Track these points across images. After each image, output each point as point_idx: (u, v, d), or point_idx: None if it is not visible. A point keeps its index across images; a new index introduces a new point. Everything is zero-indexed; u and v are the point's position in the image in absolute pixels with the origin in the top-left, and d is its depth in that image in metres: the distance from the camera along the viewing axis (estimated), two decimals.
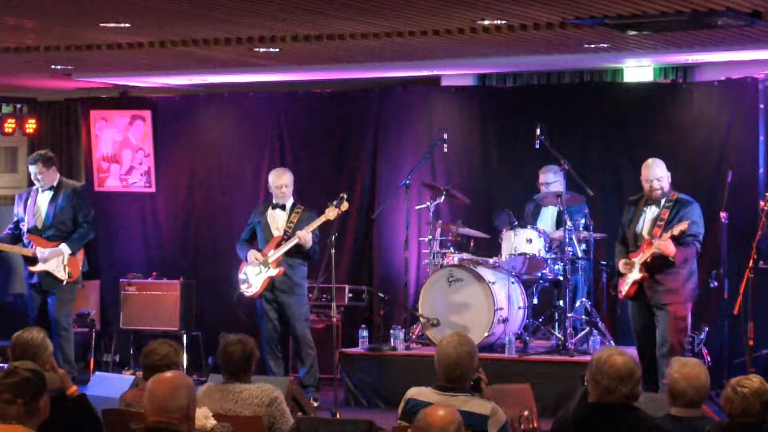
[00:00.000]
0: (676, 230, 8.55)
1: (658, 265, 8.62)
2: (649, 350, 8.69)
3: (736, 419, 4.75)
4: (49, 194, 9.91)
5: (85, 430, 5.47)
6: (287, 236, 9.61)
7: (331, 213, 9.45)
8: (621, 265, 8.82)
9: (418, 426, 4.32)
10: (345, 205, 9.51)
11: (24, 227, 9.95)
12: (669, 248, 8.53)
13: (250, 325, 10.16)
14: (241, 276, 9.79)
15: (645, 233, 8.78)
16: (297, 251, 9.59)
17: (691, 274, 8.73)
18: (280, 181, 9.76)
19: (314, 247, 9.60)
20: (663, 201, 8.77)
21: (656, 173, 8.78)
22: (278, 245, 9.62)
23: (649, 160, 8.89)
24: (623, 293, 8.84)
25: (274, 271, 9.60)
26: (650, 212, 8.82)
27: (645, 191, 8.82)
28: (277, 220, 9.74)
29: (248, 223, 9.95)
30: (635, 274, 8.70)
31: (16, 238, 10.01)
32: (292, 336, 9.86)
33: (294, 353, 10.05)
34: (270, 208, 9.82)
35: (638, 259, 8.69)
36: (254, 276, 9.67)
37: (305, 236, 9.48)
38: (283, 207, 9.76)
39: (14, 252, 10.13)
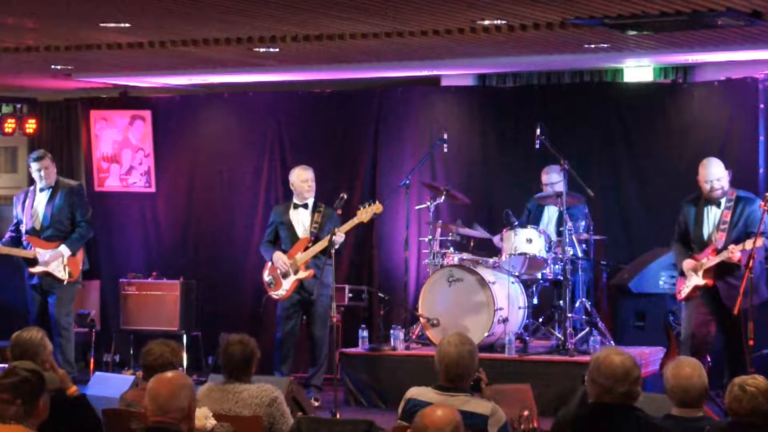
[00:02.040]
0: (749, 245, 8.32)
1: (725, 269, 8.52)
2: (705, 348, 8.55)
3: (743, 418, 4.74)
4: (46, 194, 9.90)
5: (85, 430, 5.47)
6: (314, 237, 9.57)
7: (364, 215, 9.40)
8: (686, 266, 8.61)
9: (417, 426, 4.32)
10: (379, 207, 9.45)
11: (23, 229, 9.94)
12: (735, 258, 8.41)
13: (255, 326, 10.11)
14: (267, 278, 9.74)
15: (711, 237, 8.63)
16: (323, 251, 9.51)
17: (760, 274, 8.65)
18: (306, 174, 9.71)
19: (342, 243, 9.60)
20: (723, 201, 8.60)
21: (715, 173, 8.57)
22: (306, 247, 9.58)
23: (706, 160, 8.68)
24: (683, 295, 8.69)
25: (303, 274, 9.54)
26: (712, 214, 8.65)
27: (704, 191, 8.61)
28: (302, 220, 9.69)
29: (270, 224, 9.89)
30: (698, 280, 8.57)
31: (17, 240, 10.00)
32: (310, 335, 9.76)
33: (307, 352, 10.00)
34: (292, 207, 9.77)
35: (702, 265, 8.56)
36: (281, 279, 9.63)
37: (339, 238, 9.37)
38: (305, 206, 9.72)
39: (16, 255, 10.10)
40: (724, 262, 8.51)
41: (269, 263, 9.75)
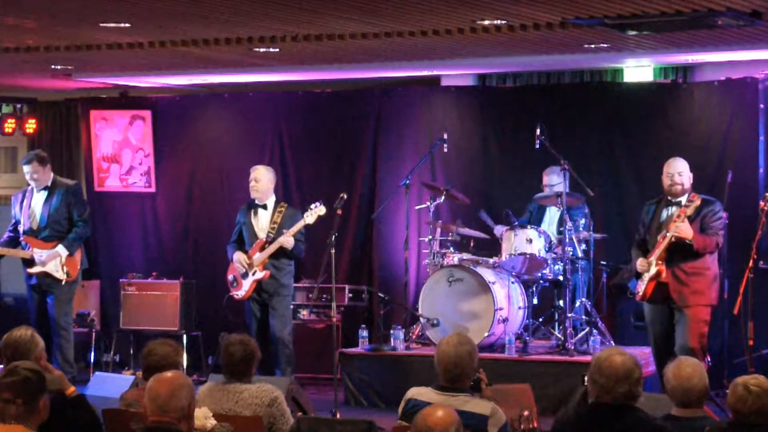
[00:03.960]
0: (690, 210, 8.25)
1: (677, 258, 8.32)
2: (668, 357, 8.47)
3: (746, 418, 4.74)
4: (43, 194, 9.88)
5: (85, 430, 5.46)
6: (270, 239, 9.55)
7: (309, 218, 9.41)
8: (638, 264, 8.51)
9: (417, 426, 4.32)
10: (322, 210, 9.39)
11: (20, 229, 9.92)
12: (686, 229, 8.22)
13: (240, 325, 10.11)
14: (230, 278, 9.77)
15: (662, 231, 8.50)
16: (282, 252, 9.53)
17: (715, 277, 8.47)
18: (251, 174, 9.75)
19: (299, 246, 9.54)
20: (683, 201, 8.46)
21: (678, 167, 8.49)
22: (262, 248, 9.58)
23: (671, 158, 8.63)
24: (641, 294, 8.51)
25: (260, 275, 9.54)
26: (668, 213, 8.53)
27: (665, 186, 8.54)
28: (261, 220, 9.69)
29: (236, 224, 9.92)
30: (652, 270, 8.38)
31: (15, 241, 9.98)
32: (271, 335, 9.70)
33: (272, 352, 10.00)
34: (253, 207, 9.78)
35: (654, 256, 8.42)
36: (242, 279, 9.65)
37: (287, 241, 9.42)
38: (264, 207, 9.72)
39: (14, 256, 10.08)
40: (675, 247, 8.32)
41: (232, 263, 9.78)
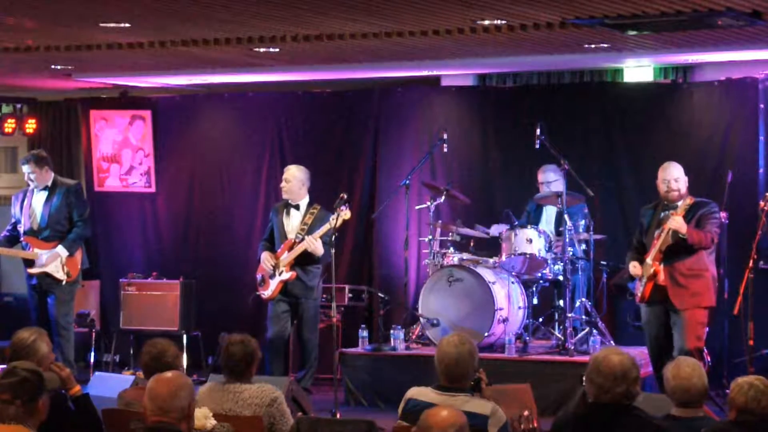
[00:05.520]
0: (680, 209, 8.25)
1: (675, 260, 8.30)
2: (664, 358, 8.45)
3: (755, 418, 4.74)
4: (44, 194, 9.87)
5: (86, 429, 5.47)
6: (299, 239, 9.46)
7: (334, 221, 9.26)
8: (631, 267, 8.51)
9: (422, 426, 4.31)
10: (347, 214, 9.23)
11: (21, 229, 9.92)
12: (680, 221, 8.19)
13: (255, 326, 10.12)
14: (258, 277, 9.67)
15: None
16: (310, 255, 9.39)
17: (714, 279, 8.47)
18: (284, 174, 9.67)
19: (327, 250, 9.41)
20: (680, 205, 8.40)
21: (673, 174, 8.46)
22: (291, 248, 9.53)
23: (665, 163, 8.58)
24: (639, 296, 8.49)
25: (286, 275, 9.43)
26: (665, 216, 8.46)
27: (661, 193, 8.52)
28: (292, 220, 9.62)
29: (269, 221, 9.82)
30: (649, 270, 8.36)
31: (13, 239, 9.97)
32: (299, 337, 9.73)
33: (297, 354, 10.00)
34: (286, 207, 9.73)
35: (650, 256, 8.39)
36: (269, 279, 9.58)
37: (313, 243, 9.29)
38: (297, 207, 9.64)
39: (14, 256, 10.07)
40: (672, 250, 8.28)
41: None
